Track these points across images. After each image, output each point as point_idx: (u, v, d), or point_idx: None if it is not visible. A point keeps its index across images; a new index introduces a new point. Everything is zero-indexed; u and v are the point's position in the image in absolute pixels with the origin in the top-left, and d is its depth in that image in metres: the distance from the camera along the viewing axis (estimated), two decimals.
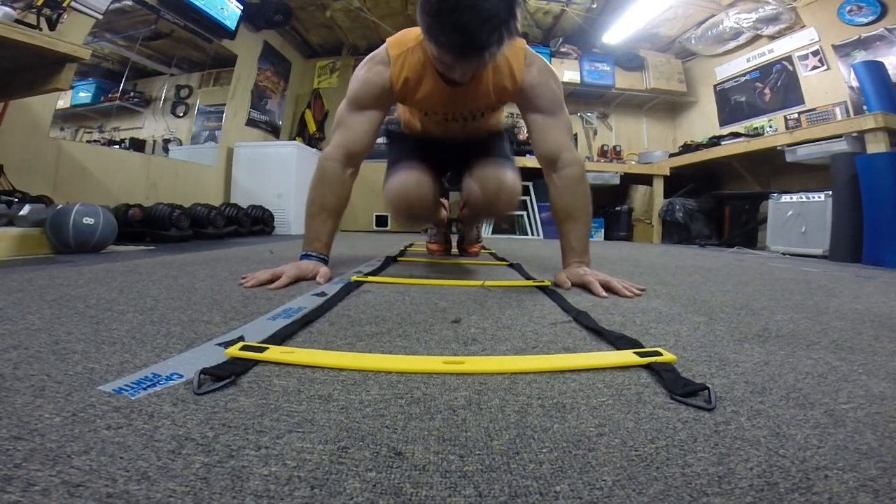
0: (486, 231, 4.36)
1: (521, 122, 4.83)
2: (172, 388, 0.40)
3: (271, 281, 0.98)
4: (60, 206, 1.56)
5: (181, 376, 0.43)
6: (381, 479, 0.28)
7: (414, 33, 1.09)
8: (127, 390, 0.39)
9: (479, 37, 0.86)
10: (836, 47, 3.43)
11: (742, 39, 4.15)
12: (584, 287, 1.04)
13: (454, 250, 2.06)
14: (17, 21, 1.60)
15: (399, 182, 1.22)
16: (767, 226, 3.11)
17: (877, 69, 2.68)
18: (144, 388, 0.40)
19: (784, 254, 2.85)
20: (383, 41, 1.15)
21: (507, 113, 4.42)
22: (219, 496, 0.25)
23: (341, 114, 1.16)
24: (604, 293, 0.98)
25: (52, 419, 0.33)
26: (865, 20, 3.23)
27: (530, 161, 4.22)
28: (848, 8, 3.31)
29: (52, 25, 1.94)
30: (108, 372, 0.44)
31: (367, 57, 1.16)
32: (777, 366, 0.53)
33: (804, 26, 3.65)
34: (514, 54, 1.10)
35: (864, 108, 2.85)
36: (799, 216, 2.84)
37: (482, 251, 2.12)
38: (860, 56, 3.23)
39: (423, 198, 1.22)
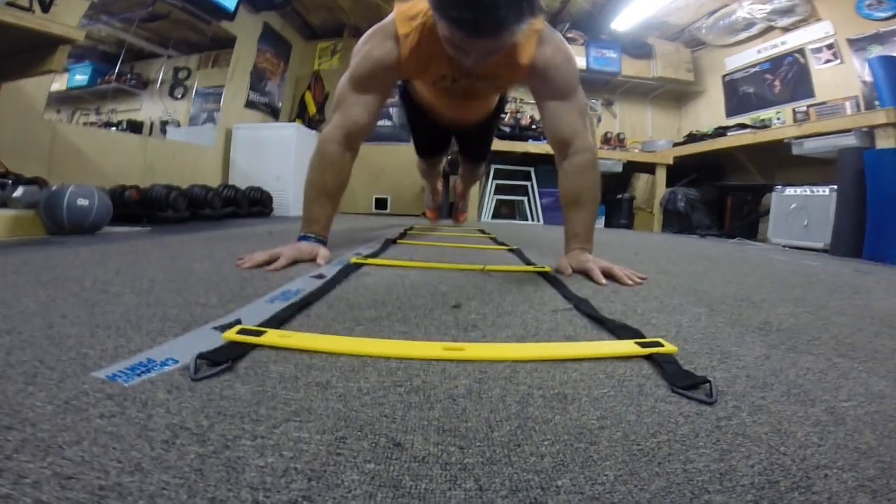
0: (485, 216, 4.35)
1: (523, 108, 4.76)
2: (167, 374, 0.40)
3: (269, 262, 0.95)
4: (55, 187, 1.55)
5: (176, 362, 0.42)
6: (379, 470, 0.28)
7: (424, 5, 1.01)
8: (121, 377, 0.38)
9: (495, 11, 0.78)
10: (851, 41, 3.36)
11: (754, 30, 4.07)
12: (585, 274, 1.02)
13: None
14: (10, 3, 1.56)
15: (423, 158, 1.95)
16: (769, 218, 3.09)
17: (892, 64, 2.63)
18: (139, 375, 0.39)
19: (785, 246, 2.85)
20: None
21: (511, 98, 4.38)
22: (213, 488, 0.25)
23: (342, 92, 1.11)
24: (604, 280, 0.96)
25: (43, 407, 0.33)
26: (885, 15, 3.16)
27: (533, 146, 4.18)
28: (867, 2, 3.24)
29: (45, 7, 1.90)
30: (102, 357, 0.43)
31: (373, 30, 1.09)
32: (778, 360, 0.53)
33: (820, 19, 3.57)
34: (528, 32, 1.00)
35: (877, 103, 2.81)
36: (802, 209, 2.82)
37: (481, 235, 2.39)
38: (876, 51, 3.17)
39: (437, 163, 2.13)
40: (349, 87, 1.10)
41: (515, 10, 0.80)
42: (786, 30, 3.84)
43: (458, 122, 1.59)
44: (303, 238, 1.09)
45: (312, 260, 1.02)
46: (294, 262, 0.99)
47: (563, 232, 1.15)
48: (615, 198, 4.53)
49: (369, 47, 1.08)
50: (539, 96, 1.12)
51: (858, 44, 3.32)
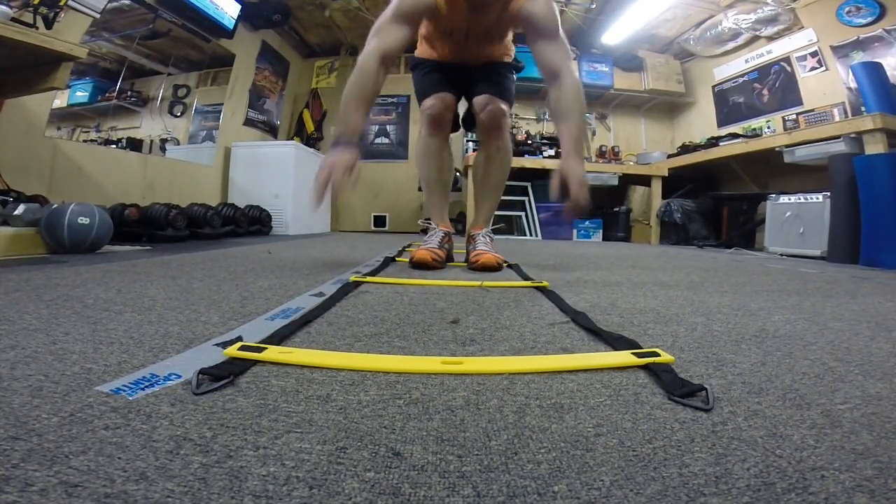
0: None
1: (518, 124, 4.81)
2: (170, 388, 0.40)
3: (327, 182, 1.14)
4: (55, 205, 1.56)
5: (179, 376, 0.43)
6: (379, 479, 0.28)
7: None
8: (125, 390, 0.39)
9: None
10: (834, 48, 3.44)
11: (741, 40, 4.16)
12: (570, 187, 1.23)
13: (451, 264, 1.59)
14: (14, 19, 1.59)
15: (430, 99, 1.57)
16: (765, 227, 3.12)
17: (875, 70, 2.69)
18: (142, 389, 0.40)
19: (782, 255, 2.86)
20: None
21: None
22: (217, 496, 0.25)
23: (383, 22, 1.34)
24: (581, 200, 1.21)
25: (49, 419, 0.33)
26: (864, 21, 3.24)
27: (529, 161, 4.22)
28: (847, 9, 3.32)
29: (48, 24, 1.93)
30: (106, 372, 0.43)
31: None
32: (774, 366, 0.53)
33: (803, 27, 3.66)
34: None
35: (863, 109, 2.86)
36: (797, 217, 2.84)
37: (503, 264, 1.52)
38: (859, 57, 3.24)
39: (448, 107, 1.58)
40: (390, 17, 1.33)
41: None
42: (771, 39, 3.93)
43: (469, 60, 1.62)
44: (337, 143, 1.24)
45: (351, 169, 1.19)
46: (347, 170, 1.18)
47: (559, 134, 1.38)
48: (612, 210, 4.56)
49: None
50: (531, 39, 1.39)
51: (841, 50, 3.39)
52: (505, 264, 1.49)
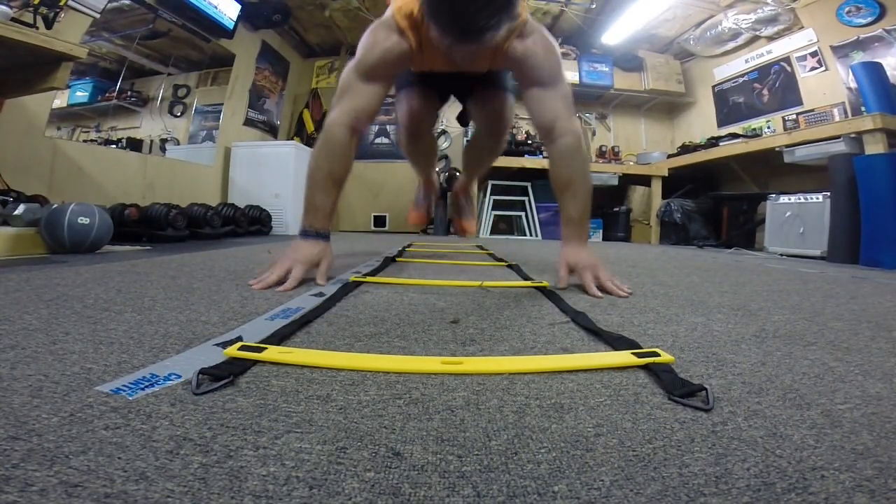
0: (483, 231, 4.36)
1: (518, 124, 4.82)
2: (170, 388, 0.40)
3: (279, 283, 0.96)
4: (56, 205, 1.56)
5: (179, 376, 0.43)
6: (379, 479, 0.28)
7: (416, 3, 1.06)
8: (125, 390, 0.39)
9: (476, 22, 0.87)
10: (834, 48, 3.44)
11: (741, 40, 4.16)
12: (581, 282, 1.05)
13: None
14: (14, 19, 1.59)
15: (406, 107, 1.43)
16: (765, 227, 3.12)
17: (875, 70, 2.69)
18: (142, 389, 0.40)
19: (782, 255, 2.86)
20: None
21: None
22: (217, 496, 0.25)
23: (348, 80, 1.12)
24: (599, 293, 0.99)
25: (49, 419, 0.33)
26: (864, 21, 3.24)
27: (529, 161, 4.23)
28: (847, 9, 3.32)
29: (48, 24, 1.93)
30: (106, 372, 0.43)
31: (375, 24, 1.13)
32: (774, 366, 0.53)
33: (803, 27, 3.66)
34: (516, 25, 1.07)
35: (863, 109, 2.86)
36: (797, 217, 2.84)
37: (479, 251, 2.13)
38: (859, 57, 3.24)
39: (425, 119, 1.45)
40: (355, 74, 1.11)
41: (495, 20, 0.88)
42: (771, 39, 3.93)
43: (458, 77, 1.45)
44: (305, 234, 1.07)
45: (318, 265, 1.03)
46: (303, 280, 0.99)
47: (560, 217, 1.18)
48: (612, 210, 4.56)
49: (374, 39, 1.11)
50: (524, 82, 1.16)
51: (841, 50, 3.39)
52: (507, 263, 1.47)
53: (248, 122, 4.23)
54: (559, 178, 1.14)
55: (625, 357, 0.53)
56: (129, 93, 3.36)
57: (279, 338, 0.57)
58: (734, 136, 3.96)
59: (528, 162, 4.23)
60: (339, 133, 1.08)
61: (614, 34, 4.46)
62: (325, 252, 1.06)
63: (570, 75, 4.77)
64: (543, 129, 1.14)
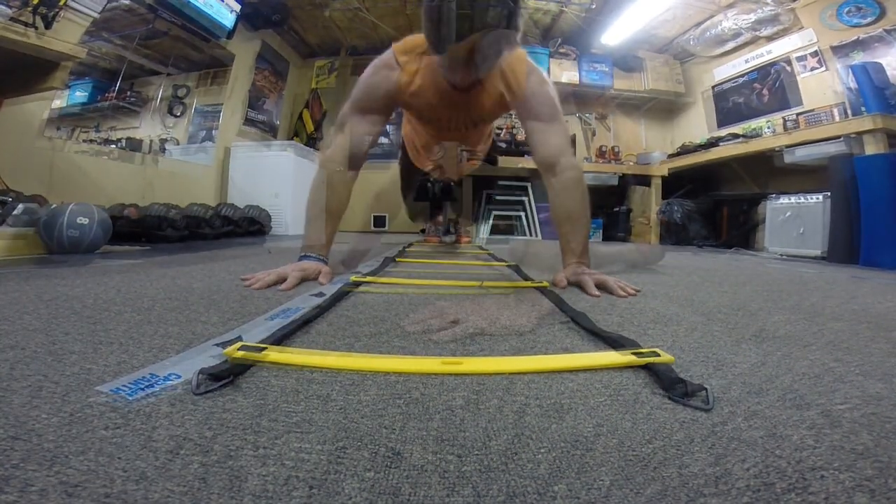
0: (484, 232, 4.36)
1: (518, 124, 4.82)
2: (170, 388, 0.40)
3: (277, 282, 0.97)
4: (54, 205, 1.56)
5: (179, 377, 0.43)
6: (379, 479, 0.28)
7: (419, 40, 1.11)
8: (124, 391, 0.39)
9: (481, 19, 0.91)
10: (834, 48, 3.44)
11: (740, 40, 4.16)
12: (579, 286, 1.04)
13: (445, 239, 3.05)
14: (13, 19, 1.59)
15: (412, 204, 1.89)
16: (765, 227, 3.12)
17: (875, 70, 2.69)
18: (142, 389, 0.40)
19: (781, 255, 2.86)
20: (382, 42, 1.19)
21: (504, 115, 4.44)
22: (217, 496, 0.25)
23: (345, 116, 1.18)
24: (596, 292, 0.98)
25: (49, 419, 0.33)
26: (864, 21, 3.23)
27: (528, 162, 4.22)
28: (846, 9, 3.31)
29: (48, 24, 1.93)
30: (106, 372, 0.43)
31: (374, 62, 1.19)
32: (773, 367, 0.53)
33: (802, 27, 3.66)
34: (517, 63, 1.15)
35: (863, 109, 2.85)
36: (797, 217, 2.84)
37: (479, 251, 2.35)
38: (859, 57, 3.23)
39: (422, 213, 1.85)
40: (352, 111, 1.17)
41: (495, 48, 0.96)
42: (771, 39, 3.92)
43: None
44: (304, 258, 1.10)
45: (316, 278, 1.04)
46: (301, 282, 1.00)
47: (560, 249, 1.18)
48: (612, 210, 4.56)
49: (371, 76, 1.17)
50: (526, 119, 1.21)
51: (841, 51, 3.39)
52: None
53: (248, 123, 4.23)
54: (562, 210, 1.16)
55: (625, 357, 0.53)
56: (128, 93, 3.37)
57: (279, 338, 0.57)
58: (734, 136, 3.95)
59: (528, 162, 4.22)
60: (335, 169, 1.14)
61: (614, 34, 4.46)
62: (324, 268, 1.09)
63: (570, 76, 4.78)
64: (546, 163, 1.17)
